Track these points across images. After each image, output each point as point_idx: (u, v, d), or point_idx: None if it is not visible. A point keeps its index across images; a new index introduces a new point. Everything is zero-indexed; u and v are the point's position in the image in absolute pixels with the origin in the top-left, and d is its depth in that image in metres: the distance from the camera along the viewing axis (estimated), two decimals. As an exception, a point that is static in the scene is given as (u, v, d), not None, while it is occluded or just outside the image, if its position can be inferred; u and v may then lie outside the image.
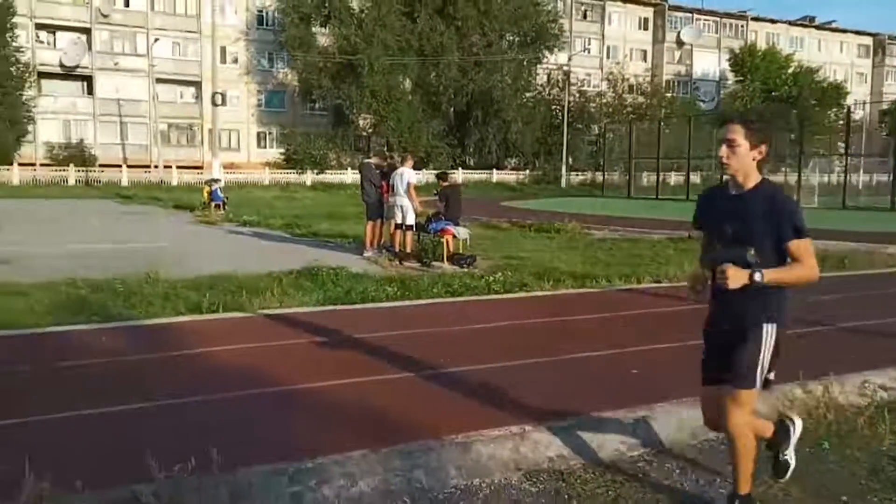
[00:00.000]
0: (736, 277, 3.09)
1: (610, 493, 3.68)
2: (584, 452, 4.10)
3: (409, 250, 12.75)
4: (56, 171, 44.28)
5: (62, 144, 49.05)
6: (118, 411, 4.53)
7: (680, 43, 72.93)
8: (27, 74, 46.42)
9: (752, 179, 3.23)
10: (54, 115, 50.07)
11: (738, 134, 3.19)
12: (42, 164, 46.36)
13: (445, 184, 13.60)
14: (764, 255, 3.14)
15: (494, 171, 54.49)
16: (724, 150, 3.23)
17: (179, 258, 11.93)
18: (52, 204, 28.08)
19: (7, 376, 5.27)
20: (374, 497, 3.54)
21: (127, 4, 52.59)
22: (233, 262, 11.17)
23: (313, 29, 52.78)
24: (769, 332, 3.22)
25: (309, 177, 47.97)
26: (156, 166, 46.75)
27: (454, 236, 12.51)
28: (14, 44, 45.19)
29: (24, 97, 45.82)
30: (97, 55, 51.65)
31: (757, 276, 3.08)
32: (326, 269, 9.98)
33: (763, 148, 3.19)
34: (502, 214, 23.02)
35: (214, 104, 34.81)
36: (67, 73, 51.14)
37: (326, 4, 51.17)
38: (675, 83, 72.12)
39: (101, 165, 47.00)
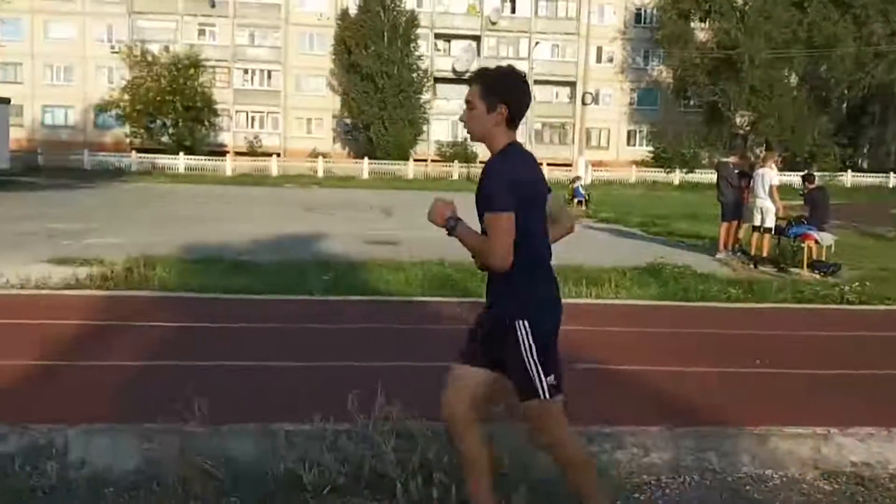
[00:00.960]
0: (435, 208, 2.92)
1: (914, 507, 3.53)
2: (894, 463, 3.93)
3: (765, 254, 12.33)
4: (443, 167, 49.38)
5: (449, 143, 54.50)
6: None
7: None
8: (425, 80, 52.41)
9: (497, 144, 2.88)
10: (445, 117, 55.69)
11: (474, 95, 2.86)
12: (432, 161, 51.96)
13: (812, 186, 12.88)
14: None
15: (892, 174, 48.58)
16: (464, 113, 2.92)
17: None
18: (433, 195, 31.46)
19: (382, 332, 6.53)
20: (663, 469, 3.83)
21: (513, 11, 56.60)
22: (582, 254, 11.75)
23: (692, 24, 51.80)
24: (523, 330, 2.86)
25: (677, 176, 47.23)
26: (530, 163, 49.69)
27: (816, 242, 11.80)
28: (416, 53, 51.35)
29: (421, 100, 51.83)
30: (484, 60, 56.25)
31: (450, 223, 2.88)
32: (671, 267, 10.14)
33: (503, 109, 2.81)
34: (889, 223, 20.74)
35: (584, 103, 36.16)
36: (458, 78, 56.53)
37: (707, -1, 49.89)
38: None
39: (480, 162, 51.31)
